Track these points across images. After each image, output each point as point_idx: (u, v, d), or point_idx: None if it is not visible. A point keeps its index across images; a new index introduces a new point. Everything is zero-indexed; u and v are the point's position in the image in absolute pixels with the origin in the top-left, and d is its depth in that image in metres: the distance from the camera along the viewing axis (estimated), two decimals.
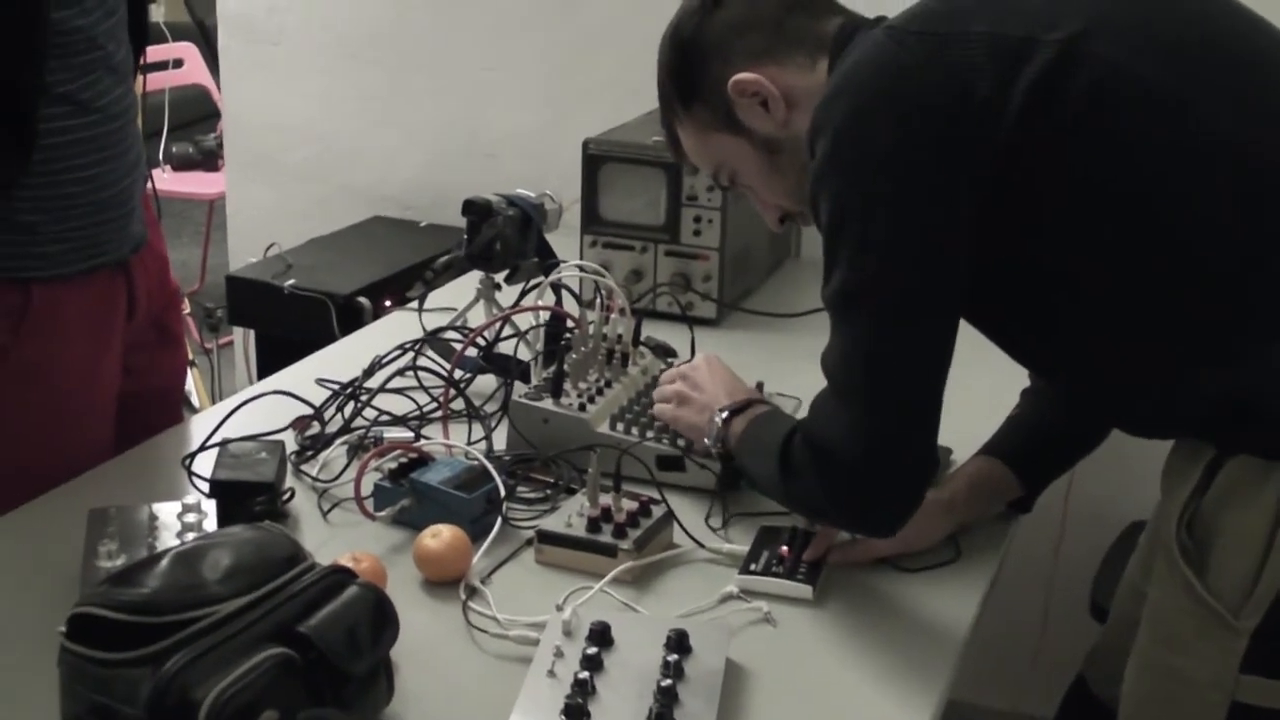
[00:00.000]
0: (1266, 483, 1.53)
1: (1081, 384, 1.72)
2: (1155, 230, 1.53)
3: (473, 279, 2.48)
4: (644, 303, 2.68)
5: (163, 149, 5.58)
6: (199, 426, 2.17)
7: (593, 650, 1.52)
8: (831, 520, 1.78)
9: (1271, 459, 1.54)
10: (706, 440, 1.93)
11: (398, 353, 2.29)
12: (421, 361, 2.27)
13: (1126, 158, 1.53)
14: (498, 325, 2.29)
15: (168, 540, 1.67)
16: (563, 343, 2.17)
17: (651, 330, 2.38)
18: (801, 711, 1.55)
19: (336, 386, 2.24)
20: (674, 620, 1.62)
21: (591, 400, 2.08)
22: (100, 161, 2.03)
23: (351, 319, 3.09)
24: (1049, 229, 1.56)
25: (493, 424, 2.12)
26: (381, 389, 2.20)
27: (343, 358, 2.44)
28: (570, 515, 1.83)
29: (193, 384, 4.04)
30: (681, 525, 1.87)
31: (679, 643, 1.55)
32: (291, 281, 3.19)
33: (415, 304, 2.50)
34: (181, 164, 5.64)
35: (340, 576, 1.45)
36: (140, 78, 2.20)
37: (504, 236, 2.39)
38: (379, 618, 1.45)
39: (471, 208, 2.40)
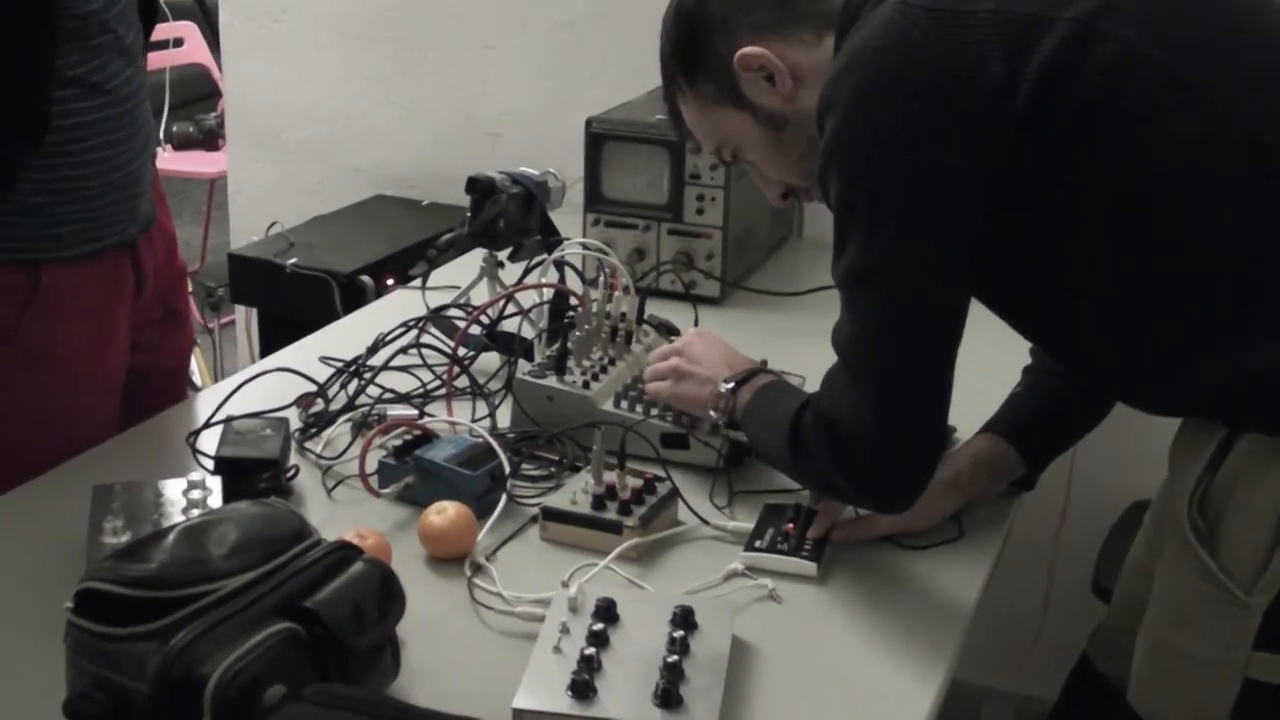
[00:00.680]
0: (1278, 461, 1.53)
1: (1094, 364, 1.72)
2: (1170, 211, 1.53)
3: (476, 257, 2.48)
4: (647, 281, 2.67)
5: (163, 128, 5.57)
6: (203, 404, 2.17)
7: (598, 627, 1.52)
8: (843, 496, 1.78)
9: None
10: (712, 413, 1.92)
11: (401, 330, 2.29)
12: (425, 339, 2.27)
13: (1142, 138, 1.52)
14: (501, 303, 2.29)
15: (173, 517, 1.67)
16: (566, 320, 2.17)
17: (655, 309, 2.38)
18: (806, 688, 1.55)
19: (340, 364, 2.24)
20: (679, 597, 1.62)
21: (595, 378, 2.08)
22: (110, 144, 2.04)
23: (354, 298, 3.09)
24: (1062, 210, 1.56)
25: (497, 401, 2.12)
26: (385, 366, 2.19)
27: (346, 336, 2.44)
28: (575, 492, 1.83)
29: (195, 362, 4.03)
30: (686, 502, 1.87)
31: (684, 619, 1.55)
32: (293, 260, 3.19)
33: (418, 282, 2.50)
34: (182, 143, 5.63)
35: (346, 552, 1.45)
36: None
37: (507, 214, 2.39)
38: (385, 593, 1.45)
39: (475, 185, 2.40)
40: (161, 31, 5.58)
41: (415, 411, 2.12)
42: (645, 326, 2.27)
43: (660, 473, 1.88)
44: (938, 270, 1.60)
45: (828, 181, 1.61)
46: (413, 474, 1.88)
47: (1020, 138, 1.52)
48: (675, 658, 1.48)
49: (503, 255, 2.44)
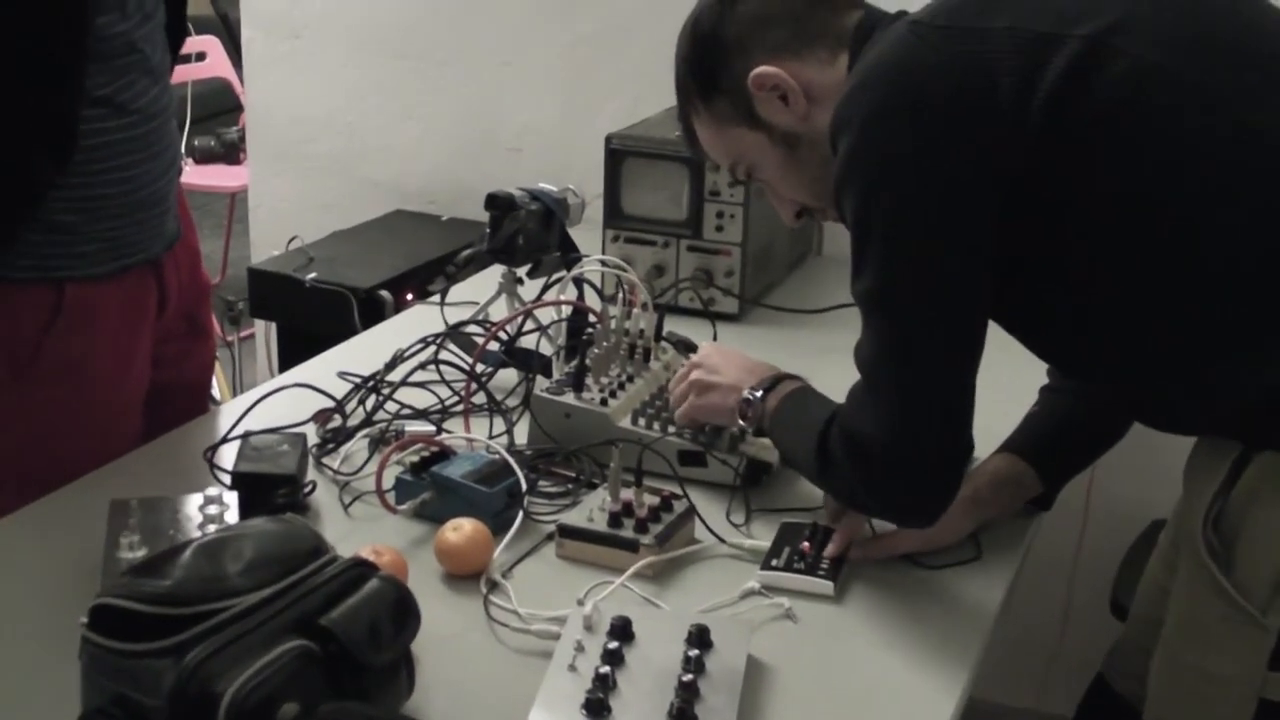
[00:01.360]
0: None
1: (1110, 382, 1.71)
2: (1185, 227, 1.53)
3: (495, 273, 2.48)
4: (666, 298, 2.67)
5: (185, 142, 5.59)
6: (221, 419, 2.17)
7: (614, 645, 1.52)
8: (870, 511, 1.78)
9: None
10: (740, 422, 1.92)
11: (419, 346, 2.29)
12: (443, 355, 2.27)
13: (1156, 154, 1.52)
14: (520, 319, 2.29)
15: (189, 532, 1.67)
16: (585, 337, 2.17)
17: (673, 325, 2.38)
18: (822, 708, 1.55)
19: (358, 380, 2.24)
20: (695, 615, 1.61)
21: (613, 395, 2.08)
22: (137, 162, 2.05)
23: (373, 312, 3.09)
24: (1076, 226, 1.56)
25: (514, 418, 2.12)
26: (403, 382, 2.20)
27: (364, 351, 2.44)
28: (592, 510, 1.83)
29: (214, 377, 4.04)
30: (703, 520, 1.86)
31: (700, 638, 1.54)
32: (313, 275, 3.20)
33: (437, 298, 2.50)
34: (204, 157, 5.65)
35: (362, 569, 1.45)
36: None
37: (526, 231, 2.39)
38: (400, 611, 1.44)
39: (494, 202, 2.40)
40: (185, 46, 5.63)
41: (433, 428, 2.12)
42: (664, 343, 2.26)
43: (677, 490, 1.88)
44: (956, 286, 1.60)
45: (843, 200, 1.61)
46: (429, 490, 1.88)
47: (1033, 154, 1.52)
48: (690, 677, 1.47)
49: (522, 272, 2.44)
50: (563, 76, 3.50)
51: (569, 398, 2.07)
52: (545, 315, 2.32)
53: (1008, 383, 1.93)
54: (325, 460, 2.04)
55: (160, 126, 2.09)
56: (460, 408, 2.15)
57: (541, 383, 2.14)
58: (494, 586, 1.72)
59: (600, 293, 2.42)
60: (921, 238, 1.58)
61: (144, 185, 2.06)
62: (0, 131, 1.88)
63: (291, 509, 1.83)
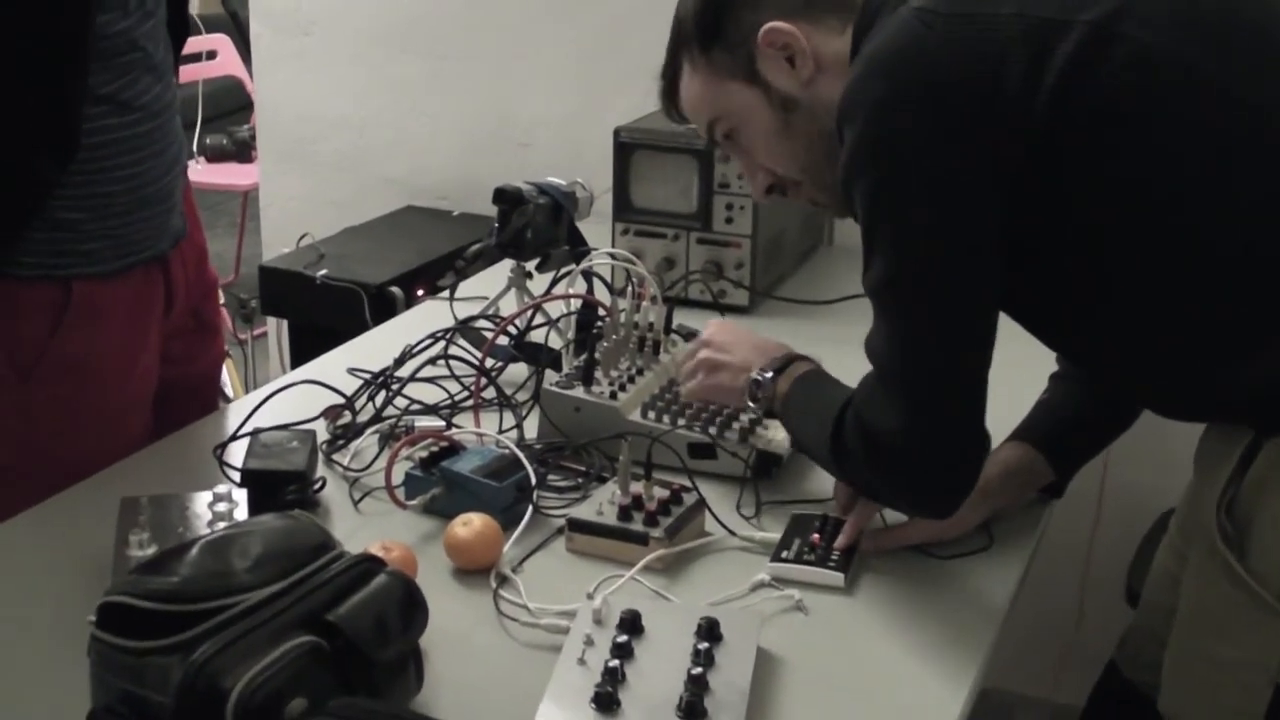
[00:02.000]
0: None
1: (1119, 371, 1.71)
2: (1195, 215, 1.52)
3: (504, 268, 2.48)
4: (676, 290, 2.67)
5: (196, 141, 5.60)
6: (231, 416, 2.18)
7: (623, 638, 1.52)
8: (888, 503, 1.79)
9: None
10: (750, 404, 1.91)
11: (429, 341, 2.29)
12: (453, 350, 2.27)
13: (1165, 141, 1.51)
14: (529, 314, 2.29)
15: (199, 529, 1.68)
16: (594, 331, 2.17)
17: (683, 318, 2.37)
18: (833, 700, 1.54)
19: (368, 376, 2.24)
20: (705, 608, 1.61)
21: (623, 388, 2.08)
22: (141, 160, 2.05)
23: (384, 308, 3.09)
24: (1082, 212, 1.55)
25: (524, 412, 2.12)
26: (412, 378, 2.20)
27: (374, 347, 2.44)
28: (601, 503, 1.82)
29: (227, 375, 4.05)
30: (713, 513, 1.86)
31: (710, 631, 1.54)
32: (324, 271, 3.20)
33: (447, 293, 2.50)
34: (215, 155, 5.66)
35: (369, 565, 1.45)
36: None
37: (535, 225, 2.38)
38: (408, 606, 1.44)
39: (502, 196, 2.40)
40: (195, 44, 5.64)
41: (442, 423, 2.12)
42: (673, 336, 2.26)
43: (687, 483, 1.87)
44: (965, 279, 1.59)
45: (852, 191, 1.60)
46: (439, 485, 1.88)
47: (1040, 140, 1.51)
48: (700, 670, 1.47)
49: (530, 266, 2.44)
50: (572, 71, 3.50)
51: (578, 391, 2.06)
52: (554, 309, 2.32)
53: (1015, 373, 1.92)
54: (335, 456, 2.04)
55: (164, 124, 2.09)
56: (470, 403, 2.15)
57: (551, 377, 2.14)
58: (503, 581, 1.72)
59: (610, 286, 2.42)
60: (930, 229, 1.57)
61: (149, 182, 2.06)
62: (2, 130, 1.89)
63: (301, 505, 1.83)
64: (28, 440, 2.04)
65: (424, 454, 1.94)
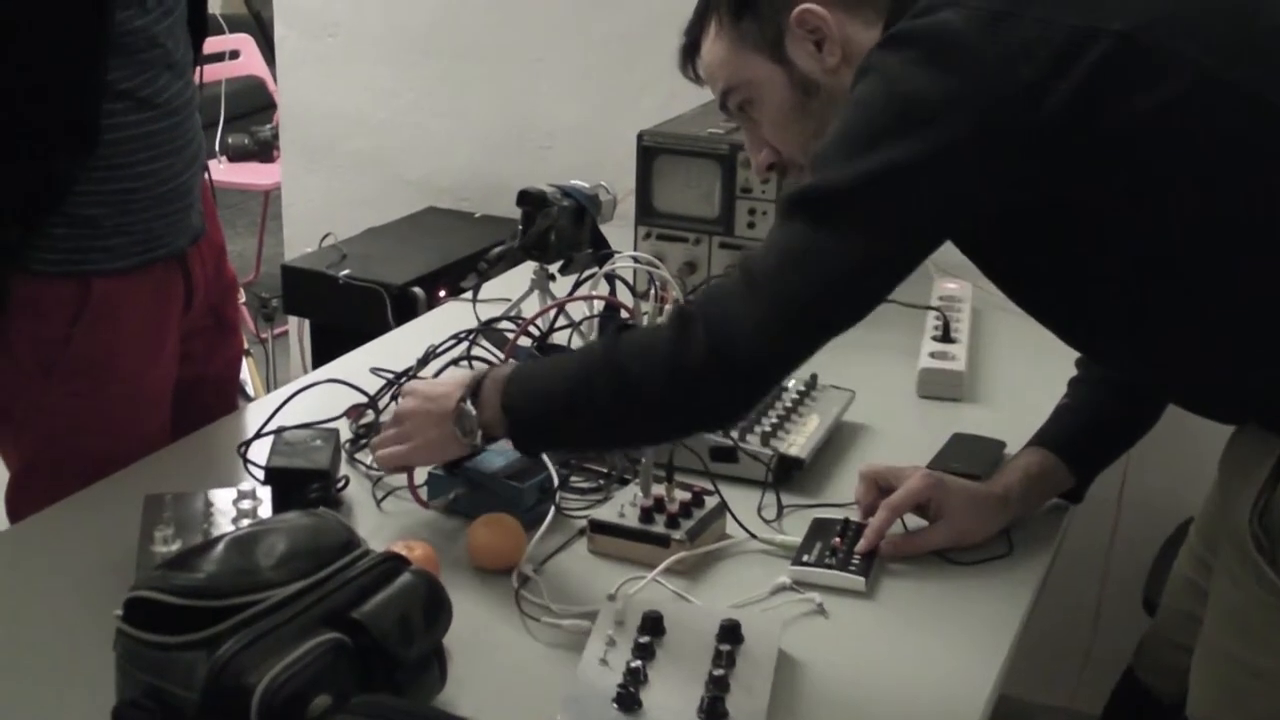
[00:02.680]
0: None
1: (1154, 374, 1.70)
2: (1227, 223, 1.50)
3: (527, 270, 2.48)
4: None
5: (219, 140, 5.62)
6: (254, 414, 2.18)
7: (645, 639, 1.52)
8: (660, 410, 1.62)
9: None
10: (464, 435, 1.75)
11: (452, 342, 2.30)
12: (475, 351, 2.27)
13: (1192, 150, 1.49)
14: (551, 316, 2.29)
15: (223, 526, 1.68)
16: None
17: None
18: (852, 703, 1.55)
19: (391, 375, 2.25)
20: (726, 610, 1.61)
21: None
22: (160, 156, 2.05)
23: (406, 309, 3.10)
24: (1113, 225, 1.53)
25: None
26: (435, 378, 2.20)
27: (397, 347, 2.45)
28: (623, 505, 1.83)
29: (248, 373, 4.07)
30: (734, 516, 1.87)
31: (731, 633, 1.55)
32: (346, 271, 3.21)
33: (469, 294, 2.50)
34: (238, 155, 5.67)
35: (394, 563, 1.46)
36: (198, 70, 2.22)
37: (558, 227, 2.39)
38: (432, 605, 1.45)
39: (526, 198, 2.40)
40: (218, 44, 5.67)
41: None
42: None
43: (708, 486, 1.88)
44: (906, 229, 1.55)
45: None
46: (462, 486, 1.88)
47: (1058, 151, 1.48)
48: (721, 671, 1.47)
49: (554, 268, 2.45)
50: (595, 73, 3.50)
51: None
52: (577, 311, 2.32)
53: (1036, 380, 1.93)
54: (358, 456, 2.04)
55: (184, 121, 2.10)
56: None
57: None
58: (525, 581, 1.73)
59: (632, 289, 2.41)
60: (896, 169, 1.51)
61: (169, 179, 2.07)
62: (22, 126, 1.90)
63: (324, 504, 1.84)
64: (48, 435, 2.05)
65: None
